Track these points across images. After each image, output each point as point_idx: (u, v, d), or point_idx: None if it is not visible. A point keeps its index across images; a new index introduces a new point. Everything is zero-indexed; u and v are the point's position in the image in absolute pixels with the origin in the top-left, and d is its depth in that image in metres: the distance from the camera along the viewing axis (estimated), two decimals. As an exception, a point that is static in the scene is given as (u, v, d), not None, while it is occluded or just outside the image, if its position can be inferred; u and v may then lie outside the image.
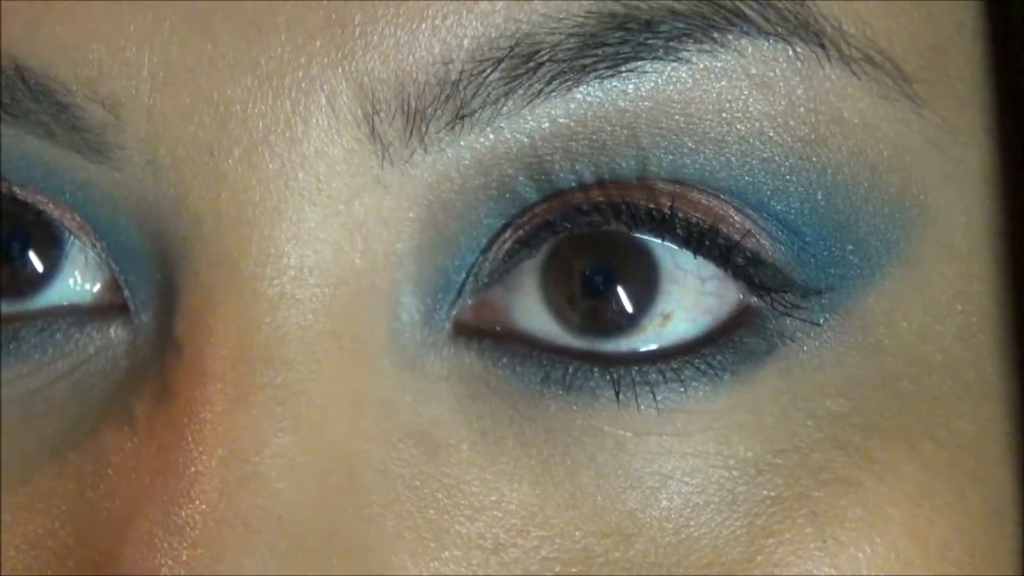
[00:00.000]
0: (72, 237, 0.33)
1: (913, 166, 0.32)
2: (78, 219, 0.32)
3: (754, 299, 0.32)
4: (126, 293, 0.32)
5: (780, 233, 0.31)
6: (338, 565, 0.30)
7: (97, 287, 0.33)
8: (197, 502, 0.29)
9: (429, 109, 0.30)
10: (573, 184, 0.31)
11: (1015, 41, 0.33)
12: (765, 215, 0.31)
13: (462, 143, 0.30)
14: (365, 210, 0.30)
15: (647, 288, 0.32)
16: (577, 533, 0.31)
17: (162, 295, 0.32)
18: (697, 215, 0.31)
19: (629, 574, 0.31)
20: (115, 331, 0.33)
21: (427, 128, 0.30)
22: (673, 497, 0.31)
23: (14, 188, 0.32)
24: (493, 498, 0.31)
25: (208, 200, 0.30)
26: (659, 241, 0.31)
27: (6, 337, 0.33)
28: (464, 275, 0.31)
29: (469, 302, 0.32)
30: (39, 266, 0.34)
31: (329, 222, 0.30)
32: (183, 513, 0.29)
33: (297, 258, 0.30)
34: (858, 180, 0.31)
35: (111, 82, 0.30)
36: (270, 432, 0.30)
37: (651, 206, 0.31)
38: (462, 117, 0.30)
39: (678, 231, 0.31)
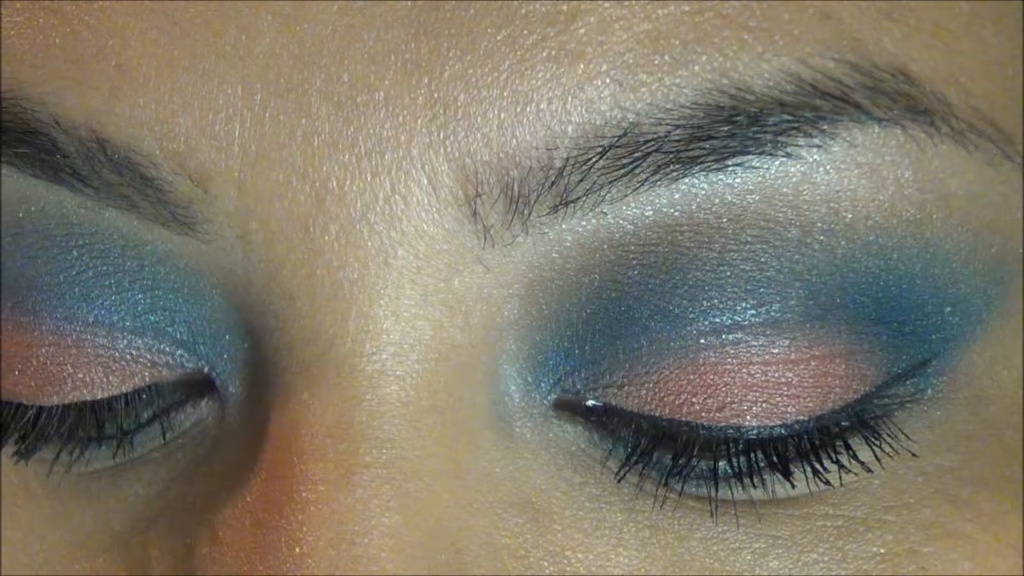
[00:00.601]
0: None
1: (1014, 223, 0.32)
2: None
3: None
4: (206, 368, 0.32)
5: (880, 341, 0.31)
6: None
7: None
8: None
9: (533, 194, 0.29)
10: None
11: None
12: (868, 316, 0.31)
13: (564, 227, 0.30)
14: (465, 288, 0.30)
15: None
16: None
17: (251, 367, 0.31)
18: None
19: None
20: (204, 405, 0.32)
21: (529, 213, 0.29)
22: (783, 556, 0.31)
23: None
24: (598, 563, 0.31)
25: (302, 276, 0.30)
26: None
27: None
28: (562, 360, 0.31)
29: (565, 387, 0.31)
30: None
31: (429, 299, 0.30)
32: None
33: (397, 335, 0.30)
34: (959, 248, 0.31)
35: (199, 156, 0.30)
36: (377, 512, 0.29)
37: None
38: (566, 203, 0.29)
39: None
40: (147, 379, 0.32)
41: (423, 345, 0.30)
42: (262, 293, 0.30)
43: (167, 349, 0.32)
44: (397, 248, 0.29)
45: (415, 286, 0.30)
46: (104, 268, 0.31)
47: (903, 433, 0.31)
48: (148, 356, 0.32)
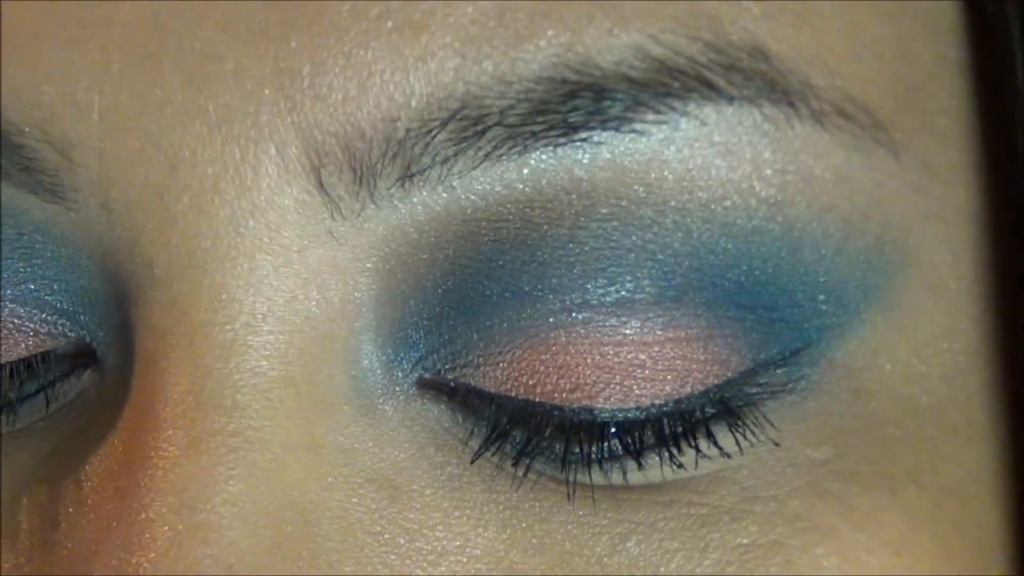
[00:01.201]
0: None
1: (892, 212, 0.31)
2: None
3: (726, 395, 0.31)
4: (88, 338, 0.32)
5: (743, 325, 0.30)
6: None
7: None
8: (147, 550, 0.29)
9: (378, 165, 0.29)
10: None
11: (1002, 67, 0.31)
12: (729, 299, 0.30)
13: (415, 200, 0.30)
14: (319, 260, 0.30)
15: None
16: None
17: (123, 335, 0.31)
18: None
19: None
20: (88, 376, 0.33)
21: (376, 184, 0.29)
22: (643, 543, 0.30)
23: None
24: (457, 543, 0.30)
25: (159, 244, 0.30)
26: None
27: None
28: (421, 341, 0.31)
29: (427, 367, 0.31)
30: None
31: (282, 271, 0.30)
32: (134, 560, 0.29)
33: (249, 305, 0.30)
34: (828, 234, 0.30)
35: (63, 124, 0.30)
36: (222, 479, 0.29)
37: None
38: (411, 175, 0.29)
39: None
40: (30, 348, 0.33)
41: (276, 316, 0.30)
42: (125, 262, 0.30)
43: (49, 319, 0.32)
44: (248, 218, 0.29)
45: (268, 256, 0.30)
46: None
47: (769, 423, 0.31)
48: (30, 325, 0.32)
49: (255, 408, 0.30)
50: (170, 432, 0.30)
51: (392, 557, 0.30)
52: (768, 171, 0.30)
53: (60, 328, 0.32)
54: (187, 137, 0.29)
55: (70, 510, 0.31)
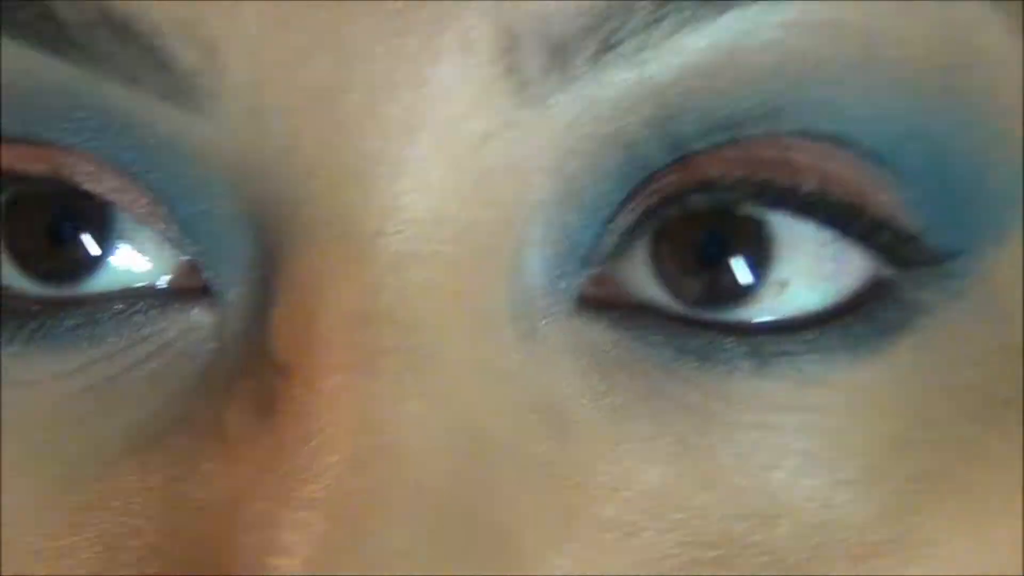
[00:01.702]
0: (125, 214, 0.30)
1: None
2: (140, 192, 0.30)
3: (889, 272, 0.30)
4: (206, 273, 0.30)
5: (921, 195, 0.29)
6: (482, 547, 0.27)
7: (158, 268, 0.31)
8: (326, 476, 0.27)
9: (573, 42, 0.27)
10: (702, 144, 0.29)
11: None
12: (906, 174, 0.29)
13: (604, 79, 0.28)
14: (495, 157, 0.28)
15: (765, 256, 0.30)
16: (716, 515, 0.29)
17: (256, 267, 0.29)
18: (843, 196, 0.29)
19: (770, 557, 0.29)
20: (197, 313, 0.30)
21: (568, 63, 0.28)
22: (816, 475, 0.29)
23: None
24: (626, 479, 0.29)
25: (323, 151, 0.28)
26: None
27: (75, 321, 0.30)
28: (588, 247, 0.29)
29: (591, 274, 0.29)
30: (92, 248, 0.31)
31: (457, 171, 0.28)
32: (308, 488, 0.27)
33: (423, 211, 0.28)
34: (989, 121, 0.29)
35: (209, 22, 0.28)
36: (401, 399, 0.27)
37: (794, 186, 0.29)
38: (609, 48, 0.28)
39: (821, 215, 0.29)
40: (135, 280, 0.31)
41: (449, 224, 0.28)
42: (275, 174, 0.28)
43: (163, 250, 0.30)
44: (424, 115, 0.28)
45: (442, 155, 0.28)
46: (117, 144, 0.29)
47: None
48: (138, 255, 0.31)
49: (429, 324, 0.28)
50: (340, 352, 0.28)
51: (564, 493, 0.29)
52: (939, 33, 0.29)
53: (173, 258, 0.30)
54: (358, 30, 0.27)
55: (204, 461, 0.29)
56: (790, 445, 0.29)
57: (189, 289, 0.30)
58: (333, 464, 0.27)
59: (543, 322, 0.29)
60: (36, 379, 0.30)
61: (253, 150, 0.28)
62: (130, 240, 0.31)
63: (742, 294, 0.30)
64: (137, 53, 0.28)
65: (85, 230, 0.31)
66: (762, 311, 0.30)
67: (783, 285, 0.30)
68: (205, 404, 0.29)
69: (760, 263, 0.30)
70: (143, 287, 0.31)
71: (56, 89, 0.29)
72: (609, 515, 0.29)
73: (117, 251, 0.31)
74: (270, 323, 0.29)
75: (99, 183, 0.30)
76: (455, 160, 0.28)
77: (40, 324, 0.30)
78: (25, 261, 0.31)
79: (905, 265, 0.30)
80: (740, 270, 0.30)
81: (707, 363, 0.29)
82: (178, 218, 0.30)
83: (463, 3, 0.27)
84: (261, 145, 0.28)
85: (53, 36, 0.28)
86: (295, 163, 0.28)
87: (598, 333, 0.29)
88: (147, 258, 0.31)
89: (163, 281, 0.31)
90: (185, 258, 0.30)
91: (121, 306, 0.30)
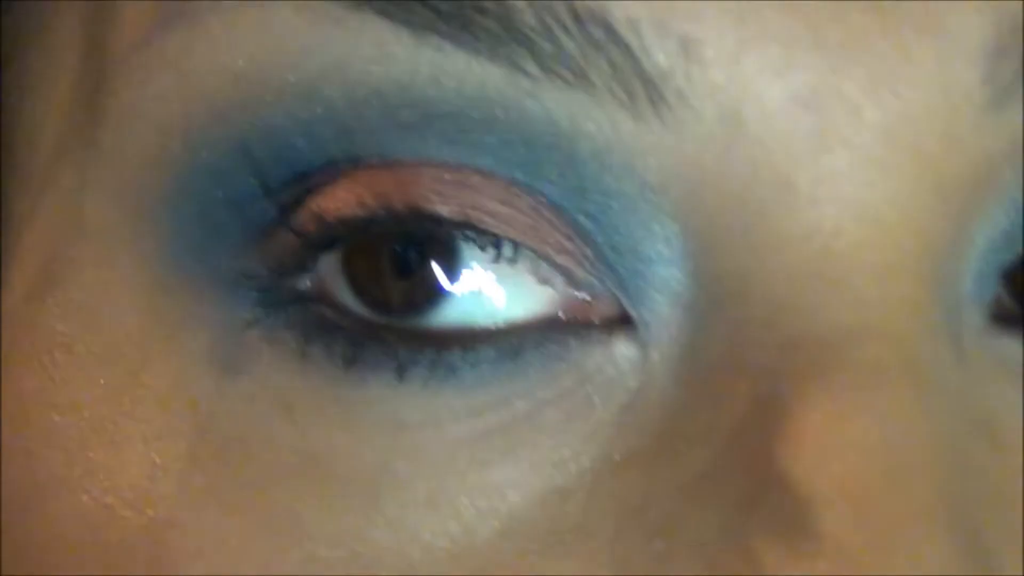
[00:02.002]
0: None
1: None
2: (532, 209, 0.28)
3: None
4: (626, 302, 0.28)
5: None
6: (986, 562, 0.26)
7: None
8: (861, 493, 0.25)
9: None
10: None
11: None
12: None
13: None
14: (955, 166, 0.27)
15: None
16: None
17: (685, 292, 0.28)
18: None
19: None
20: (621, 347, 0.28)
21: None
22: None
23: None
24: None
25: (803, 161, 0.26)
26: None
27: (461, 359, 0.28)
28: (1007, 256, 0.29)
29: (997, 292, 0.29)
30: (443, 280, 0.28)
31: (924, 179, 0.27)
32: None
33: (895, 222, 0.27)
34: None
35: (689, 20, 0.26)
36: (915, 416, 0.26)
37: None
38: None
39: None
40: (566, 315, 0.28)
41: (916, 235, 0.27)
42: (743, 186, 0.27)
43: (581, 275, 0.28)
44: (894, 124, 0.27)
45: (913, 163, 0.27)
46: (527, 160, 0.27)
47: None
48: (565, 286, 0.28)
49: (913, 339, 0.27)
50: (844, 375, 0.26)
51: (1009, 511, 0.27)
52: None
53: (591, 288, 0.28)
54: (847, 28, 0.26)
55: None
56: None
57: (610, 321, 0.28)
58: (862, 479, 0.26)
59: (966, 336, 0.28)
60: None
61: (714, 158, 0.27)
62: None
63: None
64: (599, 50, 0.26)
65: (432, 258, 0.28)
66: None
67: None
68: (636, 449, 0.28)
69: None
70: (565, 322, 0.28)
71: (478, 101, 0.27)
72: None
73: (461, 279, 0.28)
74: (738, 354, 0.27)
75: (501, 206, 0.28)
76: (923, 167, 0.27)
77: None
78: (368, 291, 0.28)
79: None
80: None
81: None
82: (596, 241, 0.28)
83: (955, 3, 0.26)
84: (727, 153, 0.27)
85: (496, 34, 0.26)
86: (769, 176, 0.27)
87: (1011, 349, 0.29)
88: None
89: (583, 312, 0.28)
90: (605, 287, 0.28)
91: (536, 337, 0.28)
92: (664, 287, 0.28)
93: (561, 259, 0.28)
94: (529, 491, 0.27)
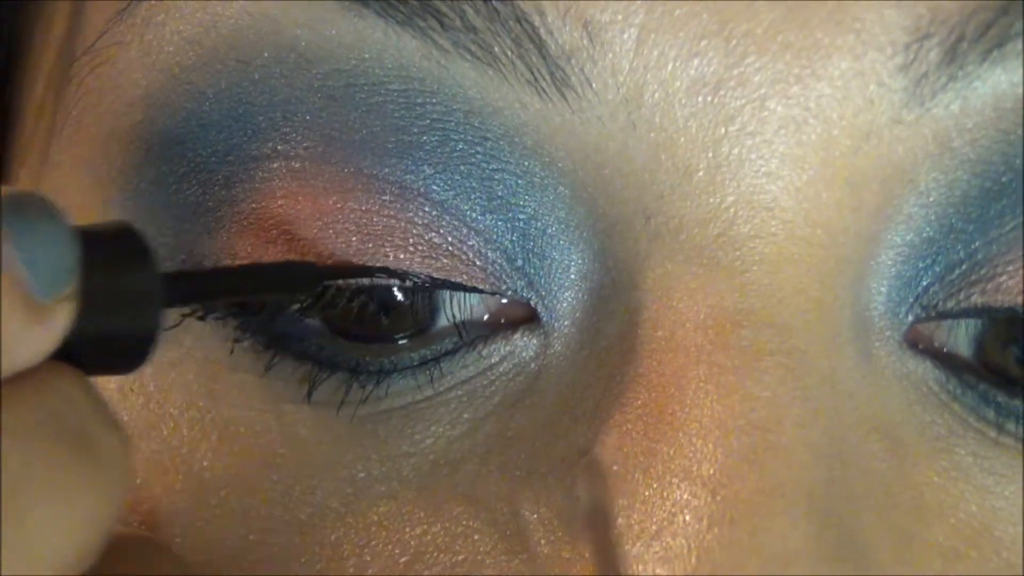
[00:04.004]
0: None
1: None
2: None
3: None
4: (535, 300, 0.29)
5: None
6: (850, 555, 0.27)
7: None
8: (714, 470, 0.26)
9: (969, 38, 0.27)
10: None
11: None
12: None
13: (988, 81, 0.27)
14: (868, 162, 0.27)
15: None
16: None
17: (589, 278, 0.29)
18: None
19: None
20: (524, 338, 0.29)
21: (962, 58, 0.27)
22: None
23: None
24: (952, 505, 0.28)
25: (705, 147, 0.27)
26: None
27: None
28: (928, 272, 0.29)
29: (927, 305, 0.29)
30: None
31: (833, 173, 0.27)
32: (688, 492, 0.26)
33: (795, 213, 0.27)
34: None
35: (594, 2, 0.27)
36: (786, 401, 0.27)
37: None
38: (998, 46, 0.27)
39: None
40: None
41: (821, 227, 0.27)
42: (644, 169, 0.27)
43: (493, 258, 0.29)
44: (810, 112, 0.27)
45: (820, 156, 0.27)
46: (442, 135, 0.28)
47: None
48: (478, 265, 0.29)
49: (799, 329, 0.27)
50: (723, 354, 0.27)
51: (899, 513, 0.28)
52: None
53: (498, 274, 0.29)
54: (755, 21, 0.27)
55: (583, 487, 0.27)
56: None
57: (515, 308, 0.29)
58: (727, 464, 0.26)
59: (876, 345, 0.29)
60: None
61: (618, 142, 0.27)
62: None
63: None
64: (504, 29, 0.27)
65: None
66: None
67: None
68: (529, 425, 0.29)
69: None
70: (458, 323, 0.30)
71: (396, 71, 0.28)
72: (936, 539, 0.28)
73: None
74: (629, 333, 0.28)
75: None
76: (833, 160, 0.27)
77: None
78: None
79: None
80: None
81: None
82: (511, 225, 0.29)
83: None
84: (630, 137, 0.27)
85: (410, 6, 0.27)
86: (671, 158, 0.27)
87: (924, 369, 0.29)
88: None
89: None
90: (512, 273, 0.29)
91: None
92: (570, 272, 0.29)
93: (475, 284, 0.29)
94: (422, 461, 0.29)
